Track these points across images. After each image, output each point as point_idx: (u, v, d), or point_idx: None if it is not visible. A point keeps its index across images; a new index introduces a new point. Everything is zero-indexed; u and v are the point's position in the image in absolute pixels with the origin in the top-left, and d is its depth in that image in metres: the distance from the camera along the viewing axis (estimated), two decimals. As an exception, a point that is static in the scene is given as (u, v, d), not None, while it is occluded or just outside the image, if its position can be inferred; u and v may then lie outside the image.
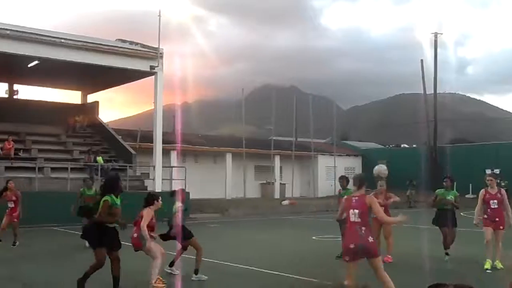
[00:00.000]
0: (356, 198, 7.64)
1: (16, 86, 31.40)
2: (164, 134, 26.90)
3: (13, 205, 14.52)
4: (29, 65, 25.41)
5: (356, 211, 7.44)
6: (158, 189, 25.78)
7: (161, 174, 26.29)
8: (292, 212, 29.63)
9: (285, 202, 33.43)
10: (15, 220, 14.53)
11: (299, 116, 44.06)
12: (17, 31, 22.92)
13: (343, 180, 13.30)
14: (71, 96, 35.06)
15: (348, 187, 13.26)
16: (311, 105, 42.23)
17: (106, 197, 8.38)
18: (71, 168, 24.43)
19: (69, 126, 30.82)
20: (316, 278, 9.98)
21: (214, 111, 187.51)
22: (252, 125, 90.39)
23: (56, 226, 20.09)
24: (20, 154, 26.00)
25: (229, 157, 38.87)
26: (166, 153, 28.72)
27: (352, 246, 7.33)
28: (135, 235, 8.91)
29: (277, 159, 40.88)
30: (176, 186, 26.49)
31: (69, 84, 32.15)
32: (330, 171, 41.81)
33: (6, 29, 22.49)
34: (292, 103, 43.03)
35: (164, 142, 26.97)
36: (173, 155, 33.30)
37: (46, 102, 32.04)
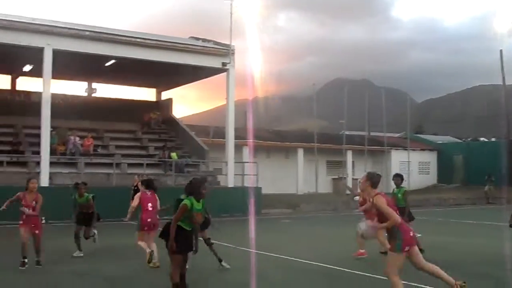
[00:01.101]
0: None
1: (94, 85, 32.54)
2: (236, 129, 27.12)
3: (31, 211, 10.85)
4: (106, 64, 26.27)
5: None
6: (230, 184, 26.10)
7: (234, 169, 26.54)
8: (364, 208, 29.15)
9: (357, 198, 32.95)
10: (37, 232, 11.02)
11: (371, 109, 43.24)
12: (95, 31, 23.75)
13: (398, 178, 13.18)
14: (146, 94, 36.01)
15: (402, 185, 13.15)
16: (384, 98, 41.41)
17: (186, 201, 8.04)
18: (147, 164, 25.09)
19: (145, 123, 31.66)
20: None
21: (285, 106, 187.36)
22: (324, 119, 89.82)
23: (133, 221, 20.65)
24: (98, 150, 26.98)
25: (300, 152, 38.73)
26: (238, 148, 28.95)
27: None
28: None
29: (349, 154, 40.38)
30: (249, 181, 26.79)
31: (144, 81, 33.01)
32: (404, 166, 40.87)
33: (85, 30, 23.35)
34: (364, 97, 42.34)
35: (236, 137, 27.21)
36: (245, 150, 33.56)
37: (123, 99, 33.02)
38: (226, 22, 26.11)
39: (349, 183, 37.86)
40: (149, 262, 10.69)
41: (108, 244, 14.25)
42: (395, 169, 42.74)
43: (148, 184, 11.94)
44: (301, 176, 38.08)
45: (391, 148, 43.06)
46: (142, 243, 11.19)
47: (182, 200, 8.15)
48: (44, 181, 21.44)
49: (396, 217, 7.23)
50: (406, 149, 41.57)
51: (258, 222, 20.91)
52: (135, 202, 11.63)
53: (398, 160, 42.81)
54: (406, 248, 7.22)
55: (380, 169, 41.21)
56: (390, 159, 42.43)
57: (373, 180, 7.53)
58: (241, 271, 10.49)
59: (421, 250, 12.16)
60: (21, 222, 10.92)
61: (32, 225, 10.91)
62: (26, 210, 10.75)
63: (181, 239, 7.85)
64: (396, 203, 12.66)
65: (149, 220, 11.32)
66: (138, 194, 11.91)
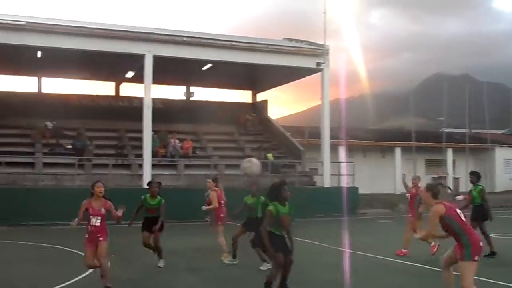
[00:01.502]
0: None
1: (192, 89, 33.49)
2: (331, 129, 26.94)
3: (99, 223, 8.81)
4: (203, 68, 26.96)
5: None
6: (327, 184, 25.97)
7: (330, 169, 26.38)
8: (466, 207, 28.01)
9: (459, 198, 31.71)
10: (101, 239, 8.80)
11: (472, 105, 41.49)
12: (192, 37, 24.45)
13: (473, 176, 13.09)
14: (242, 96, 36.57)
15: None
16: (486, 93, 39.63)
17: (270, 207, 7.90)
18: (244, 165, 25.44)
19: (241, 124, 32.16)
20: (495, 279, 9.38)
21: (382, 104, 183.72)
22: (422, 117, 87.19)
23: (231, 221, 21.10)
24: (197, 152, 27.74)
25: (398, 151, 37.85)
26: (334, 148, 28.73)
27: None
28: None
29: (449, 152, 38.98)
30: (345, 181, 26.53)
31: (240, 84, 33.55)
32: (508, 164, 38.93)
33: (183, 36, 24.11)
34: (464, 92, 40.69)
35: (331, 137, 27.02)
36: (341, 150, 33.27)
37: (220, 102, 33.73)
38: (319, 22, 26.06)
39: (449, 183, 36.55)
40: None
41: (209, 243, 14.52)
42: (499, 168, 40.91)
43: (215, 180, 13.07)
44: (399, 175, 37.20)
45: (494, 146, 41.11)
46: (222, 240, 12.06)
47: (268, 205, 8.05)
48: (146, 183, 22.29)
49: (432, 230, 7.24)
50: (511, 147, 39.50)
51: (355, 222, 20.78)
52: (216, 202, 12.38)
53: (502, 158, 40.83)
54: (476, 258, 6.94)
55: (483, 167, 39.44)
56: (493, 157, 40.53)
57: (433, 191, 7.41)
58: (333, 270, 10.49)
59: (493, 252, 11.77)
60: (86, 236, 8.84)
61: (98, 236, 8.75)
62: (94, 219, 8.73)
63: (275, 244, 7.79)
64: (471, 201, 12.38)
65: (222, 215, 12.43)
66: (214, 194, 12.52)
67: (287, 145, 30.08)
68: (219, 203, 12.44)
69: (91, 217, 8.75)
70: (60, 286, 9.21)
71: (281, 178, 10.08)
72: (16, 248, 14.18)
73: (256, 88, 34.59)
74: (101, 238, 8.73)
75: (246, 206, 11.46)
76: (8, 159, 22.16)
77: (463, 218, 7.16)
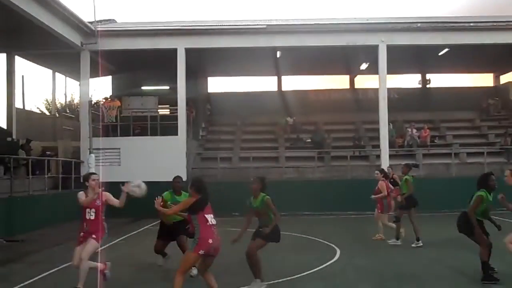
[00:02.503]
0: None
1: (428, 76, 32.46)
2: None
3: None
4: (439, 54, 25.97)
5: None
6: None
7: None
8: None
9: None
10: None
11: None
12: (426, 22, 23.72)
13: (405, 166, 13.62)
14: (482, 79, 34.30)
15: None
16: None
17: (481, 192, 8.60)
18: (487, 153, 23.96)
19: (483, 110, 30.28)
20: None
21: None
22: None
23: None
24: (435, 141, 26.87)
25: None
26: None
27: None
28: None
29: None
30: None
31: (480, 67, 31.57)
32: None
33: (416, 22, 23.50)
34: None
35: None
36: None
37: (458, 87, 32.14)
38: None
39: None
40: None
41: (434, 236, 14.02)
42: None
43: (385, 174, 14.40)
44: None
45: None
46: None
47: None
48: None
49: None
50: None
51: None
52: (384, 191, 13.68)
53: None
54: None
55: None
56: None
57: None
58: None
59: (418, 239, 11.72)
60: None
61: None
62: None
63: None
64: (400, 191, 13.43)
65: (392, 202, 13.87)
66: (383, 183, 13.80)
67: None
68: (388, 193, 13.78)
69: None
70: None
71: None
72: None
73: (498, 70, 32.20)
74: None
75: None
76: (254, 154, 24.00)
77: None
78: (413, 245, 12.54)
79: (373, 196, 13.90)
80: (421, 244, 12.51)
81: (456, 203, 20.94)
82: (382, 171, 14.49)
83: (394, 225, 13.28)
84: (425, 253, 11.80)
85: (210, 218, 7.08)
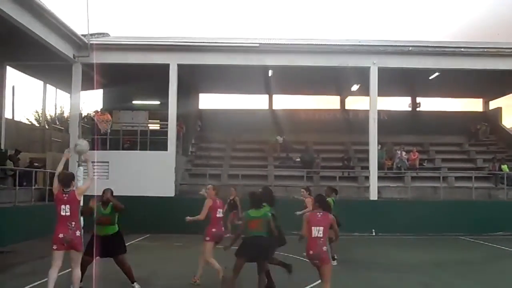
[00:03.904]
0: None
1: (418, 99, 32.66)
2: None
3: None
4: (430, 77, 26.18)
5: None
6: None
7: None
8: None
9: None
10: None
11: None
12: (418, 46, 23.91)
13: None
14: (471, 104, 34.58)
15: None
16: None
17: None
18: (475, 177, 24.09)
19: (471, 135, 30.49)
20: None
21: None
22: None
23: (463, 235, 20.22)
24: (424, 164, 26.97)
25: None
26: None
27: None
28: None
29: None
30: None
31: (469, 92, 31.82)
32: None
33: (408, 46, 23.70)
34: None
35: None
36: None
37: (447, 112, 32.36)
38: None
39: None
40: None
41: (438, 257, 14.09)
42: None
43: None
44: None
45: None
46: None
47: None
48: (373, 195, 22.39)
49: None
50: None
51: None
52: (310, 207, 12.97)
53: None
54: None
55: None
56: None
57: None
58: None
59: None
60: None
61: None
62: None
63: None
64: None
65: None
66: (309, 200, 13.78)
67: (524, 155, 27.65)
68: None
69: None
70: None
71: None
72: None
73: (488, 95, 32.50)
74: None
75: None
76: (244, 172, 23.96)
77: None
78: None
79: (298, 212, 14.03)
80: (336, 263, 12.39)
81: (443, 226, 21.43)
82: (307, 189, 15.18)
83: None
84: (412, 277, 11.77)
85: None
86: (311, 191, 15.36)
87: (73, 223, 8.32)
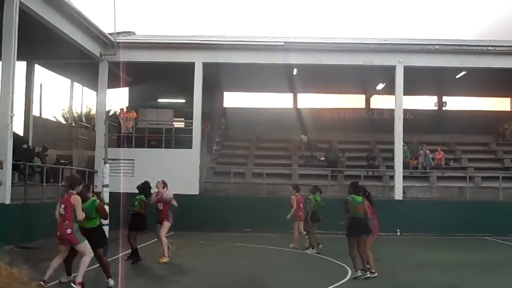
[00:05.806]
0: None
1: (444, 98, 32.29)
2: None
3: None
4: (457, 76, 25.89)
5: None
6: None
7: None
8: None
9: None
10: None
11: None
12: (444, 44, 23.66)
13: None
14: (498, 103, 34.03)
15: None
16: None
17: None
18: (503, 177, 23.75)
19: (499, 134, 30.05)
20: None
21: None
22: None
23: (490, 236, 19.95)
24: (450, 163, 26.67)
25: None
26: None
27: None
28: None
29: None
30: None
31: (497, 91, 31.33)
32: None
33: (435, 44, 23.47)
34: None
35: None
36: None
37: (474, 111, 31.88)
38: None
39: None
40: None
41: (464, 258, 13.94)
42: None
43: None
44: None
45: None
46: None
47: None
48: (398, 195, 22.24)
49: None
50: None
51: None
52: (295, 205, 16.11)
53: None
54: None
55: None
56: None
57: None
58: None
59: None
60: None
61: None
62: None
63: None
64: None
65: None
66: (294, 198, 16.06)
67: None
68: (298, 205, 15.86)
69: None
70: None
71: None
72: (277, 253, 15.28)
73: (516, 94, 32.01)
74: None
75: None
76: (268, 170, 23.97)
77: None
78: (308, 252, 15.00)
79: (288, 216, 15.64)
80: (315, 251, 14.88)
81: (470, 227, 21.15)
82: (295, 186, 16.27)
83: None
84: (437, 277, 11.67)
85: None
86: (299, 188, 16.52)
87: (67, 221, 9.04)
